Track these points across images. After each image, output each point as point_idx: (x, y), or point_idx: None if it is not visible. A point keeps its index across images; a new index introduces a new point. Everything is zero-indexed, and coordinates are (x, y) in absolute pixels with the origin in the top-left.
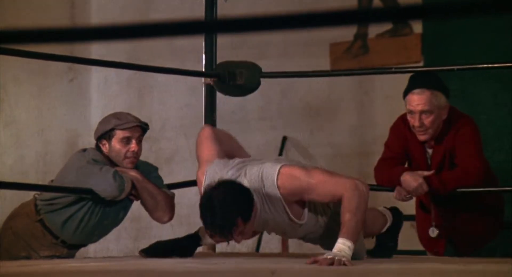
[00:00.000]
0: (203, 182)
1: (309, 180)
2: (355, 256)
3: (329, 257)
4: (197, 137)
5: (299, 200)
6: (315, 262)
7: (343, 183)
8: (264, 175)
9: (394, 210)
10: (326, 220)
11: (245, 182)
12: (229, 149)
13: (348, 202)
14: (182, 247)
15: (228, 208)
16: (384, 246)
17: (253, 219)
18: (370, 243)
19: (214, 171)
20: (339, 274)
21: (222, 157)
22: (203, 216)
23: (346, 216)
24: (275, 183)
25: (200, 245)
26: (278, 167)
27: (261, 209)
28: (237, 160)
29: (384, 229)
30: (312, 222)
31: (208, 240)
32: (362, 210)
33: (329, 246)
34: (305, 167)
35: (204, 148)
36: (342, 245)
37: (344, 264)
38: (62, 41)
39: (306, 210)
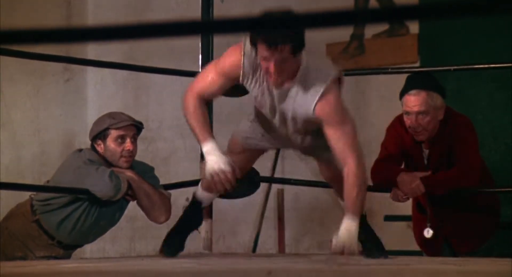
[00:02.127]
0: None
1: (343, 117)
2: None
3: (338, 245)
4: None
5: (312, 120)
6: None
7: (358, 152)
8: (321, 66)
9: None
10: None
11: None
12: None
13: (355, 176)
14: (190, 222)
15: (291, 31)
16: (372, 245)
17: (293, 65)
18: None
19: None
20: (337, 274)
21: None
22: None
23: (354, 192)
24: (328, 82)
25: (203, 208)
26: (336, 74)
27: (298, 80)
28: None
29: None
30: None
31: (207, 199)
32: (365, 187)
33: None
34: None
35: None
36: (351, 222)
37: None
38: (59, 42)
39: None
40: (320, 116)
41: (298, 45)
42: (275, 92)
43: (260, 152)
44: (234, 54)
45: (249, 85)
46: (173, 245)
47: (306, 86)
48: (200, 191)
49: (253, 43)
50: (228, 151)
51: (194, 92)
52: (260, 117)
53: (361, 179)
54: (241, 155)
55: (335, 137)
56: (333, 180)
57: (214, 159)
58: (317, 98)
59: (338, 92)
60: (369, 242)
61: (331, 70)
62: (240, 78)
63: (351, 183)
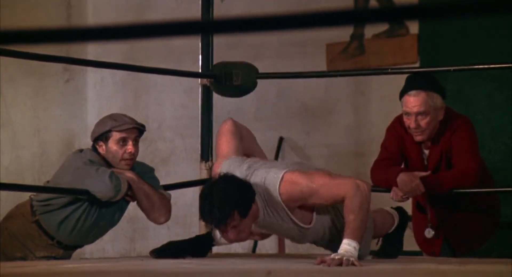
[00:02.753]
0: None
1: (310, 185)
2: (360, 256)
3: (337, 257)
4: (219, 128)
5: (304, 205)
6: (323, 262)
7: (344, 185)
8: (267, 181)
9: (400, 209)
10: (335, 224)
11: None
12: (248, 146)
13: (350, 203)
14: (195, 247)
15: (226, 199)
16: (390, 246)
17: (251, 217)
18: (373, 244)
19: (229, 168)
20: (335, 274)
21: (239, 154)
22: (201, 204)
23: (350, 217)
24: (277, 190)
25: (213, 245)
26: (281, 173)
27: (264, 212)
28: (250, 160)
29: (392, 229)
30: (320, 225)
31: (221, 240)
32: (364, 209)
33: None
34: (307, 172)
35: (223, 142)
36: (348, 246)
37: (353, 264)
38: (59, 42)
39: (314, 214)
40: (296, 205)
41: (245, 208)
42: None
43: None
44: None
45: None
46: (166, 254)
47: (270, 208)
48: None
49: (208, 224)
50: None
51: None
52: None
53: (356, 204)
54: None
55: (321, 200)
56: None
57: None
58: (281, 204)
59: (290, 179)
60: (388, 246)
61: (272, 178)
62: None
63: (347, 210)
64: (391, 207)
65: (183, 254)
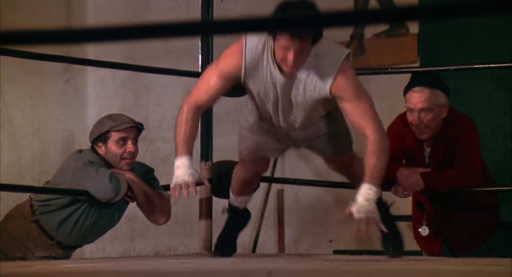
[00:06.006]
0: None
1: (359, 91)
2: None
3: (361, 215)
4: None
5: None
6: (349, 215)
7: (378, 124)
8: (330, 48)
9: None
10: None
11: None
12: None
13: (375, 146)
14: (237, 225)
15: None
16: (393, 239)
17: (310, 49)
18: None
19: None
20: (337, 274)
21: None
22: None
23: (372, 161)
24: (335, 71)
25: (241, 210)
26: (347, 53)
27: (308, 65)
28: None
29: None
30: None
31: (242, 202)
32: (386, 158)
33: (328, 153)
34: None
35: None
36: (368, 190)
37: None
38: (59, 42)
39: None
40: (336, 94)
41: (318, 36)
42: (280, 82)
43: (264, 163)
44: (234, 55)
45: (251, 83)
46: (226, 246)
47: (317, 70)
48: (233, 198)
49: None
50: (241, 164)
51: (191, 102)
52: (258, 122)
53: (380, 149)
54: (251, 165)
55: (354, 111)
56: (341, 171)
57: (180, 173)
58: (332, 77)
59: (352, 70)
60: (389, 236)
61: (340, 50)
62: (242, 78)
63: (370, 153)
64: None
65: (236, 236)
